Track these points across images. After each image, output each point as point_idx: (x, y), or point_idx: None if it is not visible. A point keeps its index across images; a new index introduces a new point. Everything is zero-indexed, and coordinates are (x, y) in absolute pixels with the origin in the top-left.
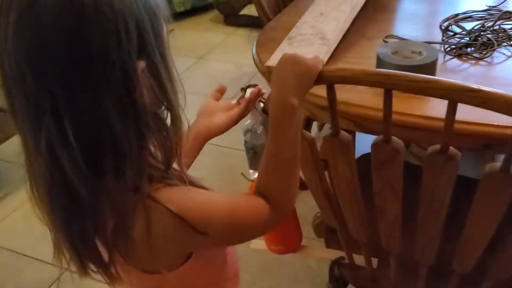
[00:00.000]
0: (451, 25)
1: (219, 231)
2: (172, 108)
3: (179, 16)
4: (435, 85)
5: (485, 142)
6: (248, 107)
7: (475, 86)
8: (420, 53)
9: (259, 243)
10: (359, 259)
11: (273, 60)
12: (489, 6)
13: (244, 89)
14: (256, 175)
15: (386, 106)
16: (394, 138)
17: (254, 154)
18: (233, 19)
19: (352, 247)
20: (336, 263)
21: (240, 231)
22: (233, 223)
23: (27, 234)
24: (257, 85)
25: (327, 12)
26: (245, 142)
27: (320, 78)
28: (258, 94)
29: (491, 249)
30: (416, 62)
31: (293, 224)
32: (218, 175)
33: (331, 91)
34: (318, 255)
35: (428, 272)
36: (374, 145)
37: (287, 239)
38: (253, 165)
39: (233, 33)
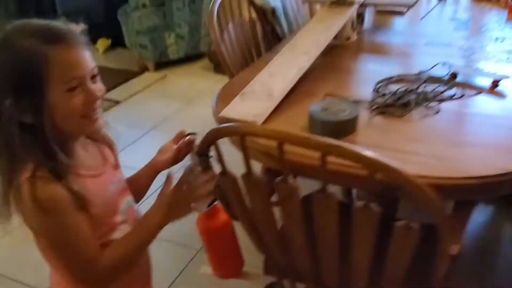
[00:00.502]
0: (381, 87)
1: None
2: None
3: (172, 63)
4: (309, 141)
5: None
6: (184, 152)
7: (337, 142)
8: (345, 110)
9: (207, 269)
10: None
11: (225, 112)
12: (420, 71)
13: (187, 135)
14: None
15: (280, 156)
16: (290, 178)
17: None
18: (222, 68)
19: (283, 273)
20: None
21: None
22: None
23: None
24: (195, 133)
25: (277, 72)
26: None
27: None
28: (190, 143)
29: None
30: (339, 119)
31: (233, 251)
32: None
33: (244, 143)
34: (257, 281)
35: None
36: (275, 184)
37: (227, 265)
38: None
39: (220, 80)
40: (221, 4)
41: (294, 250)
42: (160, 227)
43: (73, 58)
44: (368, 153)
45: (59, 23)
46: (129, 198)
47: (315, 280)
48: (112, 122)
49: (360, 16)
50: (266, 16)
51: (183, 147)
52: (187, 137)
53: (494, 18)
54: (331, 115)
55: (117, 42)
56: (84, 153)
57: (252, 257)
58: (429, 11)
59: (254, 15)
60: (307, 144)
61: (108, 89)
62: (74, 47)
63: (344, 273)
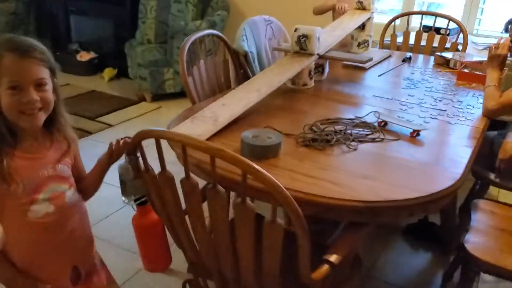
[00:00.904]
0: (314, 125)
1: None
2: None
3: (168, 96)
4: (201, 145)
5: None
6: (118, 151)
7: (219, 148)
8: (271, 138)
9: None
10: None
11: (174, 129)
12: (356, 117)
13: (122, 138)
14: (128, 200)
15: (185, 159)
16: (192, 176)
17: (123, 184)
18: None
19: (198, 272)
20: (186, 283)
21: None
22: None
23: None
24: (129, 137)
25: (228, 103)
26: (119, 174)
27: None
28: (124, 145)
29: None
30: (263, 144)
31: (162, 248)
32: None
33: (159, 144)
34: (181, 277)
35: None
36: (181, 182)
37: (156, 260)
38: (123, 192)
39: None
40: (194, 43)
41: (199, 243)
42: None
43: (19, 66)
44: (244, 158)
45: (28, 39)
46: (61, 185)
47: (218, 275)
48: (102, 141)
49: (321, 67)
50: (239, 59)
51: (117, 147)
52: (122, 139)
53: (445, 81)
54: (257, 141)
55: (122, 72)
56: (31, 140)
57: (180, 257)
58: (389, 70)
59: (228, 57)
60: (201, 148)
61: (104, 113)
62: (25, 58)
63: (236, 265)
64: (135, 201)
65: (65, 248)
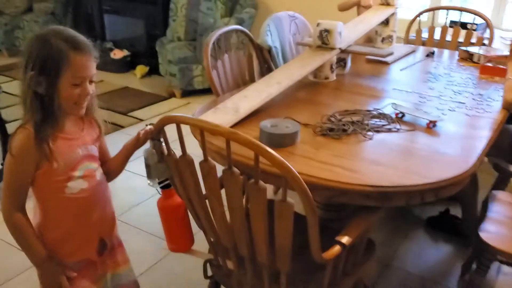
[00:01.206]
0: (332, 116)
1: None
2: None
3: (197, 92)
4: (217, 129)
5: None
6: (144, 137)
7: (235, 131)
8: (288, 127)
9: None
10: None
11: (204, 116)
12: (374, 108)
13: (147, 125)
14: (153, 183)
15: (203, 142)
16: (210, 159)
17: (148, 168)
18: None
19: (218, 250)
20: (207, 262)
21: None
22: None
23: None
24: (153, 123)
25: (249, 95)
26: (144, 158)
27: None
28: (150, 132)
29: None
30: (280, 132)
31: (184, 229)
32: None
33: (179, 129)
34: (200, 257)
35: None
36: (200, 164)
37: (179, 241)
38: (148, 176)
39: None
40: (219, 38)
41: (217, 223)
42: None
43: (84, 64)
44: (254, 140)
45: (81, 36)
46: (93, 164)
47: (234, 253)
48: (133, 134)
49: (343, 61)
50: (263, 53)
51: (142, 133)
52: (148, 126)
53: (467, 75)
54: (275, 129)
55: (154, 69)
56: (70, 123)
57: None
58: (411, 64)
59: (253, 51)
60: (217, 132)
61: (136, 109)
62: (86, 56)
63: (250, 243)
64: (159, 183)
65: (94, 221)
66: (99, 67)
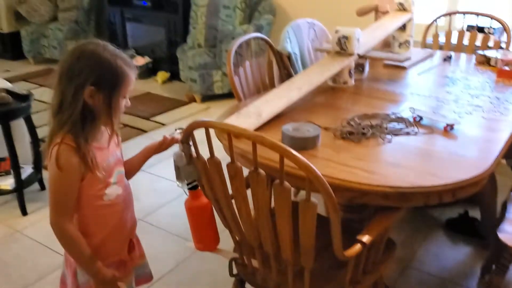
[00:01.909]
0: (352, 119)
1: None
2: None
3: (217, 97)
4: (244, 133)
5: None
6: (172, 141)
7: (261, 135)
8: (309, 131)
9: (191, 244)
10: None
11: (227, 121)
12: (392, 112)
13: (176, 129)
14: (182, 184)
15: (230, 145)
16: (237, 161)
17: (177, 170)
18: None
19: (244, 249)
20: (233, 261)
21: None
22: (50, 195)
23: None
24: (182, 128)
25: (271, 100)
26: (174, 161)
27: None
28: (176, 140)
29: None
30: (302, 135)
31: (210, 229)
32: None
33: (208, 132)
34: (226, 255)
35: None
36: (227, 166)
37: (205, 240)
38: (177, 177)
39: None
40: (241, 45)
41: (243, 223)
42: None
43: (132, 80)
44: (280, 143)
45: (125, 55)
46: (121, 168)
47: (260, 251)
48: (155, 138)
49: (361, 66)
50: (283, 60)
51: (169, 139)
52: (177, 131)
53: (484, 79)
54: (297, 133)
55: (175, 75)
56: (100, 133)
57: (228, 239)
58: (429, 68)
59: (273, 58)
60: (243, 135)
61: (158, 114)
62: (135, 73)
63: (275, 241)
64: (187, 185)
65: (126, 223)
66: None
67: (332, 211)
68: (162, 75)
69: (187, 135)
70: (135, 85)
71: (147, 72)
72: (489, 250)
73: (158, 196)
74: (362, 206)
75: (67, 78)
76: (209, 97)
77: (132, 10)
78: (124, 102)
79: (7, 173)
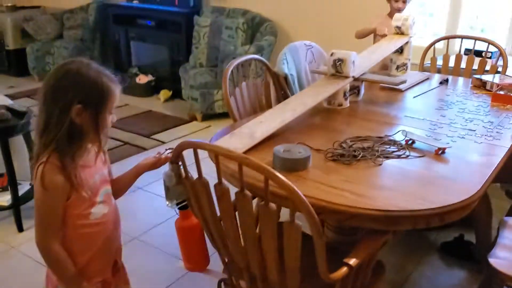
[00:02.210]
0: (344, 142)
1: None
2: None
3: (217, 116)
4: (231, 154)
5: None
6: (166, 160)
7: (246, 156)
8: (300, 152)
9: (182, 263)
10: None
11: (219, 143)
12: (385, 135)
13: (166, 149)
14: (171, 204)
15: (217, 166)
16: (224, 182)
17: (167, 190)
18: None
19: (232, 270)
20: (222, 282)
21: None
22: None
23: None
24: (172, 148)
25: (265, 121)
26: (163, 180)
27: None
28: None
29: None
30: (292, 157)
31: (200, 250)
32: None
33: (196, 153)
34: (215, 276)
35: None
36: (214, 186)
37: (195, 260)
38: (166, 197)
39: None
40: (237, 66)
41: (230, 243)
42: None
43: (118, 96)
44: (265, 165)
45: (109, 72)
46: (108, 187)
47: (247, 272)
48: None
49: (356, 88)
50: (280, 81)
51: (162, 157)
52: (167, 151)
53: (479, 103)
54: (288, 154)
55: (177, 94)
56: (87, 152)
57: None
58: (425, 92)
59: (270, 79)
60: (229, 157)
61: (158, 132)
62: (119, 90)
63: (262, 262)
64: (177, 205)
65: (112, 244)
66: (125, 92)
67: (315, 234)
68: (164, 93)
69: (176, 155)
70: (138, 103)
71: (149, 90)
72: (483, 274)
73: (154, 215)
74: (353, 228)
75: (52, 98)
76: (210, 116)
77: (137, 29)
78: (111, 118)
79: (4, 189)
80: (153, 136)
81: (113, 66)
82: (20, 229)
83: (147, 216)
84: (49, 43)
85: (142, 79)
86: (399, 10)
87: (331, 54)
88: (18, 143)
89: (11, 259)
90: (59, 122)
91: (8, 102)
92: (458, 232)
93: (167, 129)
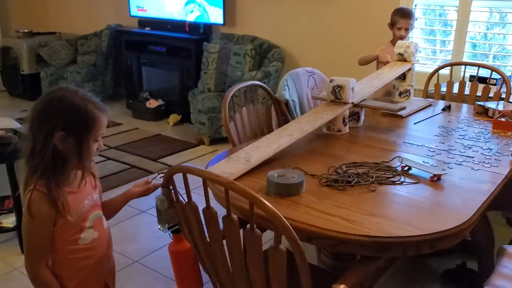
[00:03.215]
0: (339, 167)
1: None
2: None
3: (225, 140)
4: (217, 179)
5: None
6: (152, 188)
7: (232, 182)
8: (294, 178)
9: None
10: None
11: (211, 169)
12: (381, 161)
13: (159, 173)
14: (163, 228)
15: (205, 191)
16: (212, 206)
17: (159, 213)
18: None
19: None
20: None
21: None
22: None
23: None
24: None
25: (261, 146)
26: (156, 204)
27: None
28: (158, 185)
29: None
30: (286, 182)
31: (193, 273)
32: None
33: (185, 178)
34: None
35: None
36: (202, 210)
37: (189, 285)
38: (159, 221)
39: None
40: (238, 91)
41: (219, 267)
42: None
43: (104, 123)
44: (250, 190)
45: (96, 99)
46: (99, 212)
47: None
48: (160, 180)
49: (356, 115)
50: (281, 106)
51: (151, 185)
52: (159, 175)
53: (480, 130)
54: (281, 179)
55: (186, 118)
56: (73, 177)
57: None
58: (426, 118)
59: (271, 104)
60: (216, 181)
61: (166, 155)
62: (107, 116)
63: (250, 286)
64: (169, 228)
65: (103, 268)
66: (135, 116)
67: (299, 260)
68: (173, 117)
69: (167, 180)
70: (147, 127)
71: (159, 115)
72: None
73: (155, 238)
74: (350, 254)
75: (37, 124)
76: (217, 140)
77: (148, 55)
78: (97, 145)
79: (9, 211)
80: (161, 160)
81: (125, 91)
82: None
83: (148, 239)
84: (63, 68)
85: (152, 103)
86: (402, 38)
87: (331, 81)
88: (24, 166)
89: (13, 281)
90: (43, 148)
91: (16, 125)
92: (461, 260)
93: (174, 152)
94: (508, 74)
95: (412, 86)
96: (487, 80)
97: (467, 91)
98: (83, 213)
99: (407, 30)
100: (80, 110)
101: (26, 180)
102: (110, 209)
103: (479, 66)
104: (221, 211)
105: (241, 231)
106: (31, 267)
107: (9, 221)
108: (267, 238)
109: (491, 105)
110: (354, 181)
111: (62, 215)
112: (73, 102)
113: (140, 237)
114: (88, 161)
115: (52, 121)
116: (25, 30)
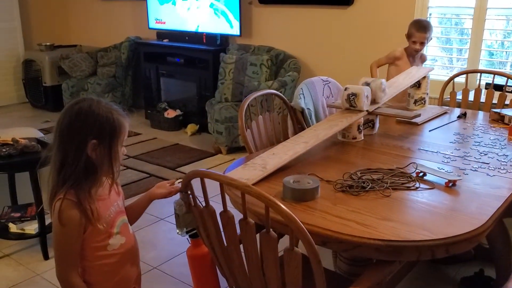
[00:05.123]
0: (354, 173)
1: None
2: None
3: (241, 149)
4: (233, 183)
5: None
6: (175, 191)
7: (249, 185)
8: (309, 183)
9: None
10: None
11: (230, 175)
12: (396, 167)
13: (177, 179)
14: (181, 232)
15: (222, 194)
16: (229, 210)
17: (177, 218)
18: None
19: None
20: None
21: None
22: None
23: None
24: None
25: (277, 153)
26: (174, 209)
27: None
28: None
29: None
30: (301, 187)
31: (211, 277)
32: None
33: (203, 182)
34: None
35: None
36: (220, 214)
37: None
38: (177, 225)
39: None
40: (254, 100)
41: (236, 270)
42: None
43: (127, 128)
44: (265, 193)
45: (118, 106)
46: (124, 217)
47: None
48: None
49: (371, 122)
50: (296, 114)
51: (174, 189)
52: (178, 180)
53: (495, 137)
54: (297, 185)
55: (203, 128)
56: (101, 185)
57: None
58: (441, 125)
59: (287, 113)
60: (232, 185)
61: (183, 164)
62: (129, 122)
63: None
64: (187, 233)
65: (131, 273)
66: (154, 126)
67: (314, 262)
68: (191, 127)
69: (185, 185)
70: (166, 137)
71: (177, 124)
72: None
73: (175, 245)
74: (366, 259)
75: (68, 136)
76: (234, 149)
77: (167, 66)
78: (122, 150)
79: (32, 218)
80: (178, 169)
81: (144, 101)
82: (46, 257)
83: (167, 246)
84: (84, 79)
85: (171, 113)
86: (416, 51)
87: (345, 89)
88: (46, 174)
89: (36, 286)
90: (76, 159)
91: (39, 135)
92: (479, 267)
93: (192, 162)
94: None
95: (427, 94)
96: (503, 88)
97: (482, 98)
98: (111, 220)
99: (422, 44)
100: (107, 118)
101: (55, 191)
102: (134, 212)
103: (495, 73)
104: (237, 217)
105: (257, 236)
106: (63, 275)
107: (32, 228)
108: (284, 245)
109: (507, 112)
110: (369, 187)
111: (92, 223)
112: (100, 112)
113: (158, 244)
114: (118, 165)
115: (83, 132)
116: (47, 43)
